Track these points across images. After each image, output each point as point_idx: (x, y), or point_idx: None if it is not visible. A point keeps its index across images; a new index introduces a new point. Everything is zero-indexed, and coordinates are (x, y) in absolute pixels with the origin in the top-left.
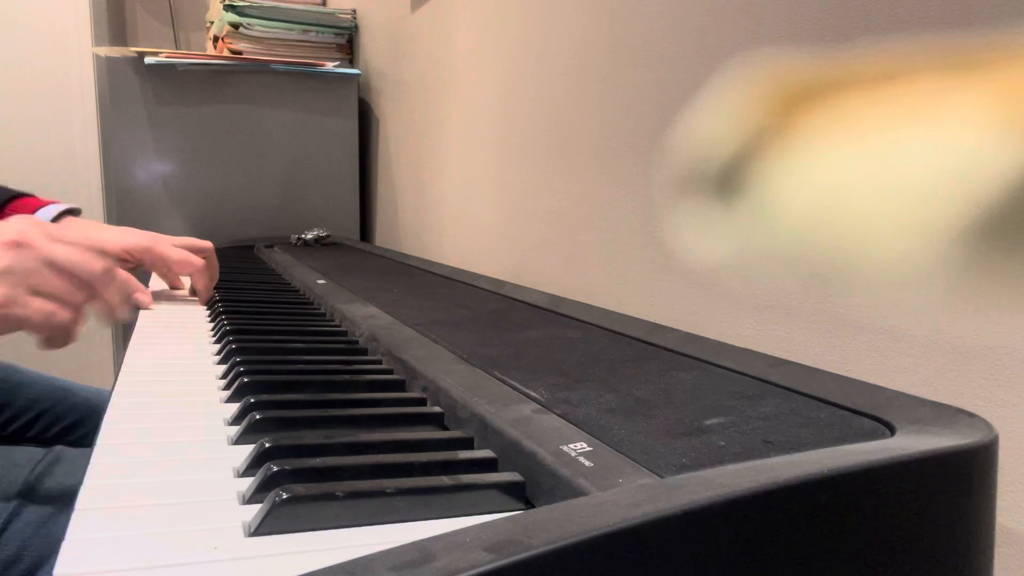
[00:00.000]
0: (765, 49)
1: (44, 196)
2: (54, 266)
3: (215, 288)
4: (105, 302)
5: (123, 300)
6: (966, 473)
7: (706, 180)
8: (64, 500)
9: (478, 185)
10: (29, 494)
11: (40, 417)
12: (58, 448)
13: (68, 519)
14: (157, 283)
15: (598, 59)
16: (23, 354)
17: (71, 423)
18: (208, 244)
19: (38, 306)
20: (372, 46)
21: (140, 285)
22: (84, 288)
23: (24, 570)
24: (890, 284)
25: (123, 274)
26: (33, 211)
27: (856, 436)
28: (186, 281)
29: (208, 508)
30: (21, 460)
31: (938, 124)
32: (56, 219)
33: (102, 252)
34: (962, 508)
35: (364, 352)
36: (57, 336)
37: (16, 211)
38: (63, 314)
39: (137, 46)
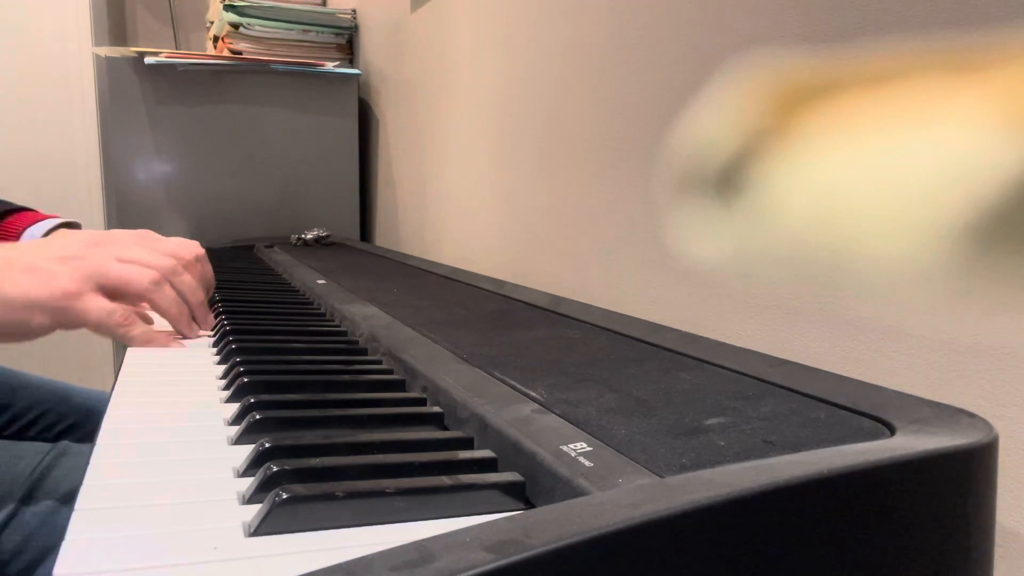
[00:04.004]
0: (765, 49)
1: (44, 197)
2: (120, 258)
3: (215, 288)
4: (175, 292)
5: (192, 293)
6: (966, 473)
7: (706, 180)
8: (69, 493)
9: (478, 185)
10: (35, 487)
11: (41, 417)
12: (63, 443)
13: (72, 512)
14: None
15: (598, 59)
16: (24, 357)
17: (72, 424)
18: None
19: (99, 304)
20: (372, 46)
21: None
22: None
23: (29, 561)
24: (890, 284)
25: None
26: (30, 224)
27: (856, 436)
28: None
29: (208, 508)
30: (27, 454)
31: (938, 124)
32: (48, 233)
33: (172, 255)
34: (962, 508)
35: (364, 352)
36: (127, 337)
37: (12, 226)
38: (116, 316)
39: (137, 46)
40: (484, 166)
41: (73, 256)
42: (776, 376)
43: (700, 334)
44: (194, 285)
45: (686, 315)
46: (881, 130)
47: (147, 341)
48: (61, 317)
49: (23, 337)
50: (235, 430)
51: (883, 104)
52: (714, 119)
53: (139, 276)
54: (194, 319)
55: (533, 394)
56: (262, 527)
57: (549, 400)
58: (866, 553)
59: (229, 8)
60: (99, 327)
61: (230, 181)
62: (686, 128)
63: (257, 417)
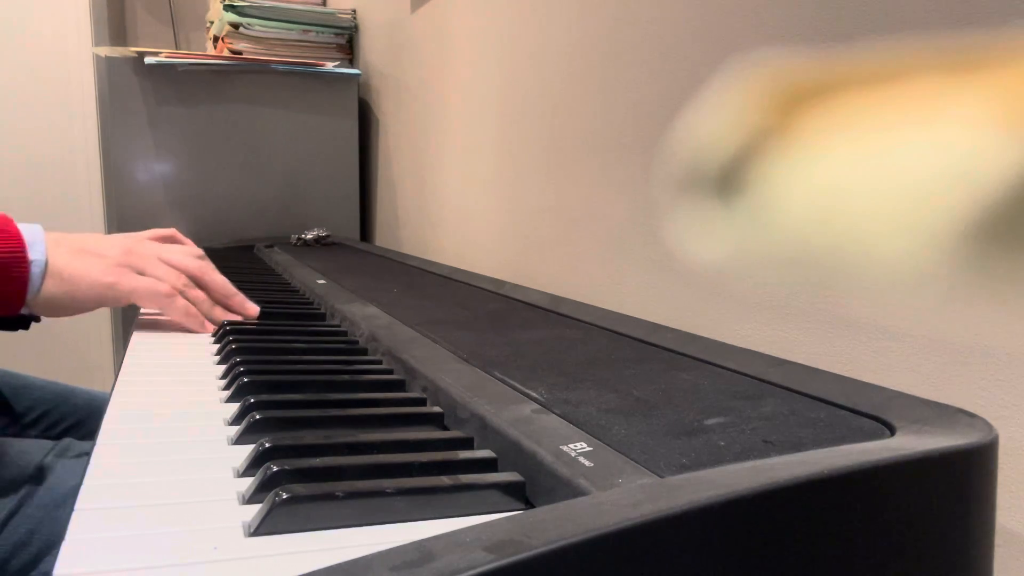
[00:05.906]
0: (765, 49)
1: (44, 197)
2: (161, 258)
3: None
4: (206, 293)
5: (223, 289)
6: (966, 473)
7: (706, 180)
8: (73, 488)
9: (478, 185)
10: (39, 480)
11: (43, 418)
12: (67, 440)
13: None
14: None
15: (598, 58)
16: (25, 358)
17: (73, 423)
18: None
19: (139, 281)
20: (372, 46)
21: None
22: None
23: (34, 553)
24: (890, 284)
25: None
26: None
27: (856, 436)
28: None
29: (208, 508)
30: (31, 449)
31: (938, 124)
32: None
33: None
34: (962, 508)
35: (364, 352)
36: (171, 307)
37: None
38: (163, 287)
39: (137, 46)
40: (484, 166)
41: (113, 245)
42: (776, 376)
43: (700, 334)
44: (222, 281)
45: (686, 315)
46: (881, 130)
47: (187, 316)
48: (107, 293)
49: (66, 310)
50: (235, 430)
51: (883, 104)
52: (715, 120)
53: (167, 278)
54: (231, 310)
55: (533, 394)
56: (262, 527)
57: (549, 400)
58: (866, 553)
59: (229, 8)
60: (145, 296)
61: (230, 181)
62: (686, 129)
63: (257, 417)
